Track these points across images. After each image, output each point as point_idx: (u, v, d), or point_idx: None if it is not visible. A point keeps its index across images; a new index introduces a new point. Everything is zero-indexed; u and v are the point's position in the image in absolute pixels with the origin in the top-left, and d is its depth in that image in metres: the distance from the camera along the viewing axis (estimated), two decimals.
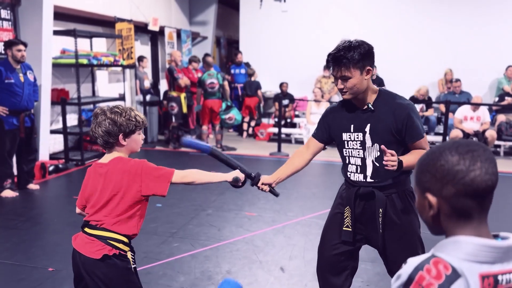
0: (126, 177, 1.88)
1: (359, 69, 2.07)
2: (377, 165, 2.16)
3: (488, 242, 0.93)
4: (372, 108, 2.15)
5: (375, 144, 2.15)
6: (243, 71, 9.99)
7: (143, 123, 1.99)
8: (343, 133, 2.23)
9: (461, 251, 0.93)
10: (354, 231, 2.27)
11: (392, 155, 1.99)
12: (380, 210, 2.17)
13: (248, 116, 9.57)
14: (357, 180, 2.23)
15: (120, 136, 1.91)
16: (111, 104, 2.11)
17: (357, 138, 2.19)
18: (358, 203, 2.24)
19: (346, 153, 2.26)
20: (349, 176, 2.26)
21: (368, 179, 2.20)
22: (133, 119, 1.93)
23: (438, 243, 0.97)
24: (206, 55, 8.34)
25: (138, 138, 2.00)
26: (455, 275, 0.90)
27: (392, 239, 2.21)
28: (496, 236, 0.98)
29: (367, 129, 2.16)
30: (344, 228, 2.27)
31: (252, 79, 9.59)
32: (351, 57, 2.04)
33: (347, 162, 2.27)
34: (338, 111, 2.29)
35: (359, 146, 2.19)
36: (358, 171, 2.22)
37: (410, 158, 2.08)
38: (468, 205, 0.95)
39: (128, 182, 1.87)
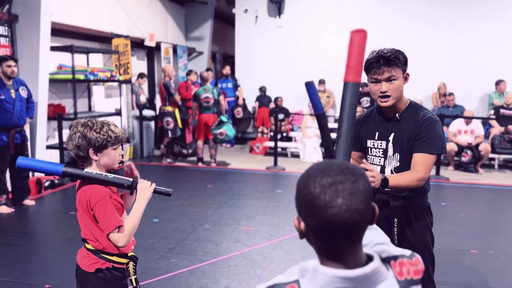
0: (81, 204, 1.88)
1: (402, 72, 2.12)
2: (395, 174, 2.17)
3: (342, 273, 0.90)
4: (399, 118, 2.18)
5: (396, 154, 2.18)
6: (230, 85, 10.07)
7: (117, 139, 1.89)
8: (368, 140, 2.28)
9: (318, 282, 0.92)
10: None
11: (371, 171, 1.94)
12: (395, 219, 2.18)
13: (261, 125, 10.00)
14: (374, 187, 2.24)
15: (90, 151, 1.85)
16: (107, 119, 2.04)
17: (380, 146, 2.23)
18: None
19: (368, 160, 2.28)
20: None
21: (385, 188, 2.18)
22: (105, 134, 1.85)
23: (305, 263, 0.95)
24: (208, 70, 8.40)
25: (113, 153, 1.90)
26: None
27: None
28: (370, 259, 0.95)
29: (391, 138, 2.20)
30: None
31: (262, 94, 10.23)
32: (400, 56, 2.09)
33: None
34: (365, 119, 2.33)
35: (381, 154, 2.23)
36: None
37: (398, 179, 2.04)
38: (329, 238, 0.91)
39: (83, 208, 1.87)
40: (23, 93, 5.21)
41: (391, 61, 2.06)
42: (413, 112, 2.17)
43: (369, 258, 0.95)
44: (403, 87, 2.14)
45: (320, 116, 2.35)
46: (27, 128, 5.36)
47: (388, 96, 2.10)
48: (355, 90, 1.40)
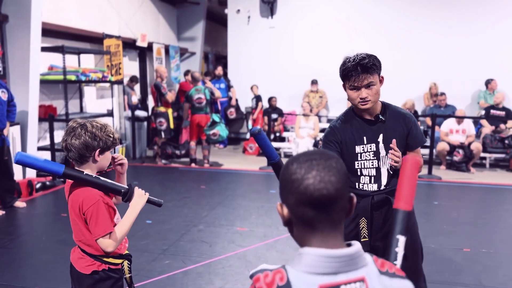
0: (73, 208, 1.86)
1: (378, 76, 2.17)
2: (391, 173, 2.24)
3: (327, 252, 0.92)
4: (383, 119, 2.22)
5: (389, 153, 2.22)
6: (222, 85, 10.07)
7: (116, 141, 1.95)
8: (356, 146, 2.25)
9: (302, 263, 0.93)
10: (370, 241, 2.27)
11: (396, 151, 2.15)
12: None
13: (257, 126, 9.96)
14: (371, 190, 2.26)
15: (97, 152, 1.87)
16: (100, 120, 2.03)
17: (371, 149, 2.24)
18: (375, 212, 2.26)
19: (358, 166, 2.26)
20: (361, 187, 2.27)
21: (382, 187, 2.25)
22: (111, 136, 1.90)
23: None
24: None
25: (109, 155, 1.95)
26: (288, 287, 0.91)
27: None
28: (350, 246, 0.97)
29: (380, 139, 2.22)
30: (362, 240, 2.26)
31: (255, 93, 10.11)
32: (376, 62, 2.13)
33: (358, 174, 2.27)
34: (345, 127, 2.28)
35: (373, 156, 2.24)
36: (372, 181, 2.25)
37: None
38: (308, 214, 0.95)
39: (75, 213, 1.86)
40: (3, 95, 5.04)
41: (369, 68, 2.11)
42: (392, 112, 2.27)
43: (349, 246, 0.97)
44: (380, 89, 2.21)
45: (275, 164, 2.18)
46: (7, 132, 5.16)
47: (368, 100, 2.16)
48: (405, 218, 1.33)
